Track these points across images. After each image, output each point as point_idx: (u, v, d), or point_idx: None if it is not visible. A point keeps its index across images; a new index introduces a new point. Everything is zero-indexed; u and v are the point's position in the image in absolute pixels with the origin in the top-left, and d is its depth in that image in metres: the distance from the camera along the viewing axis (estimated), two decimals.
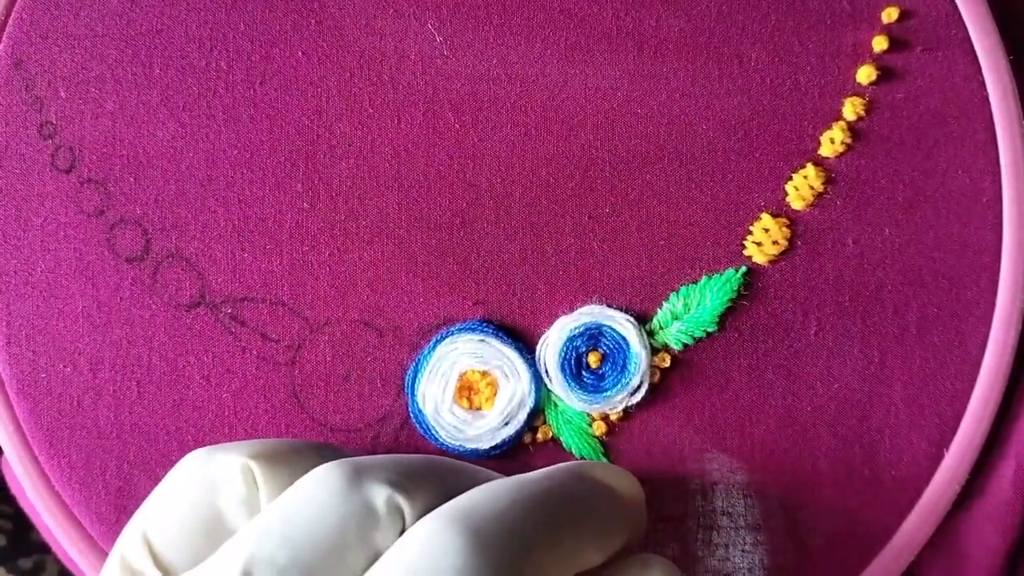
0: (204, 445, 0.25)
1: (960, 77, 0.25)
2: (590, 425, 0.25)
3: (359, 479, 0.16)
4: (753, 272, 0.25)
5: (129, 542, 0.18)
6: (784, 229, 0.25)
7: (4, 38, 0.26)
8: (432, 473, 0.17)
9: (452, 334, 0.25)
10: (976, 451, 0.24)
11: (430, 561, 0.15)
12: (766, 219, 0.25)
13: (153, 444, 0.25)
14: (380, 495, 0.16)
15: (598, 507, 0.18)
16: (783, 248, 0.25)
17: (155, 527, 0.18)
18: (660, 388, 0.25)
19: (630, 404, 0.25)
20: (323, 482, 0.16)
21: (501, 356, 0.25)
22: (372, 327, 0.25)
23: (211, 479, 0.18)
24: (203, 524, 0.17)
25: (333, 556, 0.15)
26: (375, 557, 0.16)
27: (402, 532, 0.16)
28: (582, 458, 0.25)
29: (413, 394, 0.25)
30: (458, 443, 0.25)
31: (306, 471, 0.17)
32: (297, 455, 0.18)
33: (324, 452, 0.19)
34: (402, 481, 0.17)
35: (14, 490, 0.29)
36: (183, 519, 0.17)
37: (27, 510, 0.29)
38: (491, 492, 0.16)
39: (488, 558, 0.15)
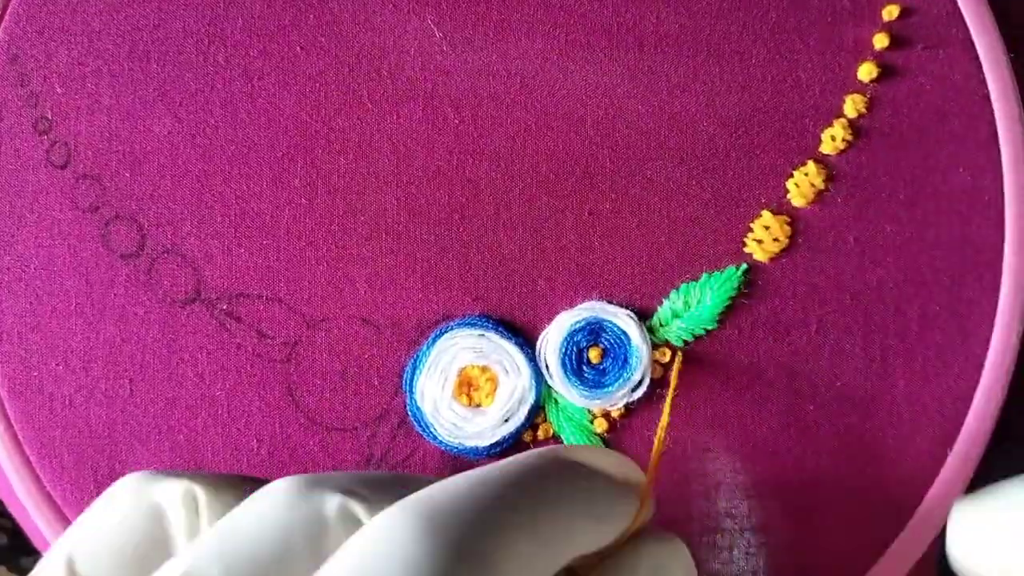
0: (197, 444, 0.25)
1: (961, 74, 0.25)
2: (591, 422, 0.25)
3: (309, 489, 0.15)
4: (754, 269, 0.25)
5: (50, 570, 0.17)
6: (785, 226, 0.25)
7: (0, 33, 0.26)
8: (397, 482, 0.16)
9: (451, 329, 0.24)
10: (981, 450, 0.24)
11: (380, 550, 0.13)
12: (767, 216, 0.25)
13: (145, 443, 0.25)
14: (331, 502, 0.15)
15: (580, 488, 0.16)
16: (784, 246, 0.25)
17: (82, 552, 0.16)
18: (661, 385, 0.25)
19: (631, 400, 0.24)
20: (267, 495, 0.15)
21: (501, 351, 0.24)
22: (370, 324, 0.25)
23: (151, 504, 0.16)
24: (141, 552, 0.16)
25: (277, 567, 0.14)
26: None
27: None
28: None
29: (411, 390, 0.25)
30: (457, 440, 0.24)
31: (250, 491, 0.16)
32: (247, 481, 0.17)
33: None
34: (358, 488, 0.15)
35: (2, 494, 0.28)
36: (118, 546, 0.16)
37: (15, 512, 0.28)
38: (451, 480, 0.15)
39: (446, 540, 0.13)
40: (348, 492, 0.15)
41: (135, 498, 0.17)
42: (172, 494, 0.17)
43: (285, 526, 0.15)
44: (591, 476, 0.17)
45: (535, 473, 0.16)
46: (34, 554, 0.31)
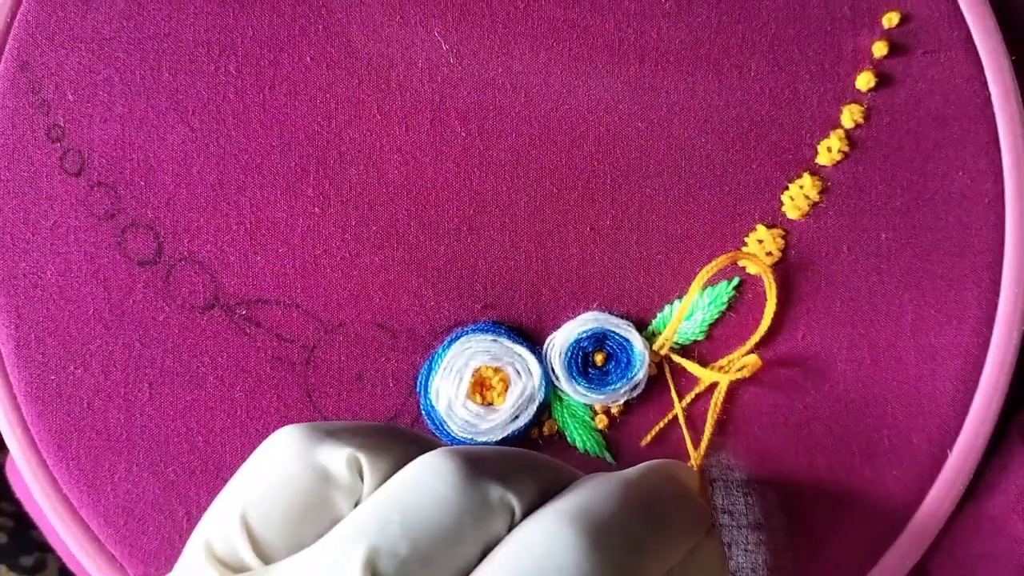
0: (216, 445, 0.25)
1: (962, 78, 0.25)
2: (593, 418, 0.25)
3: (473, 473, 0.16)
4: (744, 283, 0.25)
5: (220, 525, 0.17)
6: (778, 240, 0.25)
7: (10, 40, 0.26)
8: (530, 466, 0.18)
9: (467, 333, 0.25)
10: (980, 451, 0.25)
11: (554, 560, 0.15)
12: (761, 230, 0.25)
13: (163, 446, 0.25)
14: (495, 491, 0.16)
15: (685, 509, 0.18)
16: (776, 259, 0.25)
17: (256, 510, 0.17)
18: (660, 384, 0.25)
19: (631, 398, 0.25)
20: (438, 474, 0.16)
21: (513, 354, 0.25)
22: (386, 328, 0.26)
23: (320, 467, 0.17)
24: (309, 511, 0.17)
25: (451, 549, 0.16)
26: (487, 549, 0.16)
27: (511, 525, 0.17)
28: (585, 452, 0.25)
29: (426, 390, 0.25)
30: (469, 436, 0.25)
31: (405, 459, 0.17)
32: (396, 443, 0.18)
33: (413, 437, 0.19)
34: (510, 475, 0.17)
35: (20, 493, 0.29)
36: (289, 505, 0.17)
37: (32, 513, 0.29)
38: (603, 492, 0.17)
39: (608, 560, 0.15)
40: (504, 480, 0.17)
41: (300, 458, 0.17)
42: (337, 457, 0.17)
43: (459, 510, 0.16)
44: (688, 497, 0.19)
45: (664, 496, 0.18)
46: (35, 552, 0.31)
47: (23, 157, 0.26)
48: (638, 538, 0.16)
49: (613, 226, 0.25)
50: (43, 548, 0.32)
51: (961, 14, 0.25)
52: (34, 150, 0.26)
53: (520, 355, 0.25)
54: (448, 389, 0.25)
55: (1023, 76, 0.25)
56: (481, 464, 0.17)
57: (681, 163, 0.25)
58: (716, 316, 0.25)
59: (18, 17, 0.26)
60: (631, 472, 0.19)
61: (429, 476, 0.16)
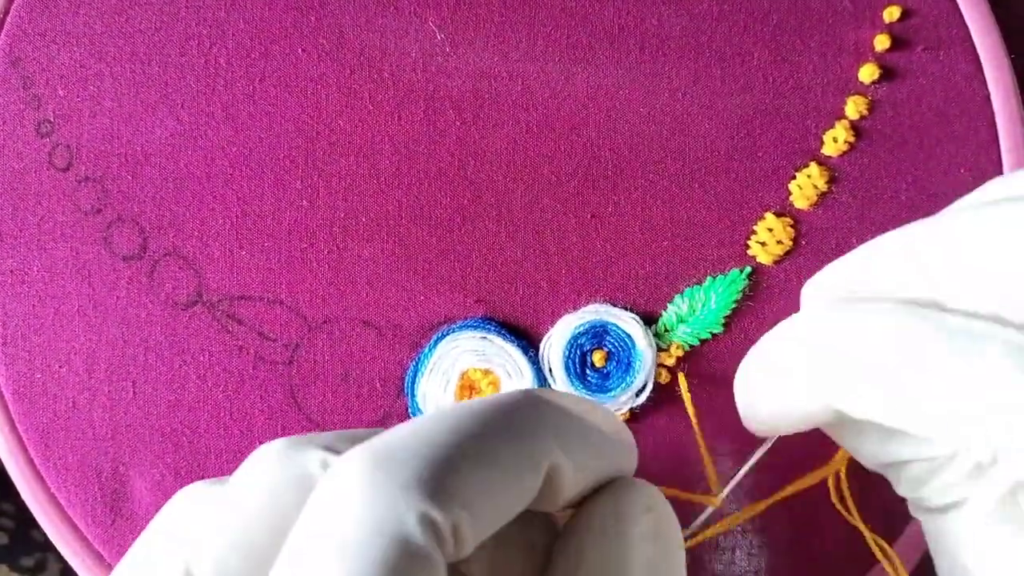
0: (200, 446, 0.25)
1: (961, 76, 0.25)
2: None
3: (295, 449, 0.15)
4: (758, 272, 0.25)
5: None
6: (788, 228, 0.25)
7: (2, 36, 0.26)
8: (375, 435, 0.16)
9: (453, 331, 0.24)
10: None
11: (334, 495, 0.13)
12: (770, 219, 0.25)
13: (148, 446, 0.25)
14: (314, 459, 0.15)
15: (544, 422, 0.15)
16: (787, 248, 0.25)
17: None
18: (666, 390, 0.25)
19: (635, 405, 0.24)
20: (259, 459, 0.15)
21: (504, 354, 0.24)
22: (372, 326, 0.25)
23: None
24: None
25: (270, 530, 0.14)
26: None
27: None
28: None
29: (413, 394, 0.25)
30: None
31: None
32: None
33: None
34: (339, 445, 0.15)
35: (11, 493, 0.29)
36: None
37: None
38: (413, 419, 0.15)
39: (390, 470, 0.13)
40: (329, 448, 0.15)
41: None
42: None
43: (275, 487, 0.15)
44: (557, 412, 0.15)
45: (496, 405, 0.15)
46: (36, 553, 0.31)
47: (12, 153, 0.26)
48: (443, 445, 0.14)
49: (615, 212, 0.25)
50: (44, 548, 0.31)
51: (960, 12, 0.25)
52: (24, 146, 0.26)
53: (511, 355, 0.24)
54: (435, 392, 0.24)
55: (1022, 75, 0.25)
56: (307, 440, 0.15)
57: (685, 149, 0.25)
58: (732, 306, 0.24)
59: (11, 13, 0.26)
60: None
61: (250, 464, 0.15)
